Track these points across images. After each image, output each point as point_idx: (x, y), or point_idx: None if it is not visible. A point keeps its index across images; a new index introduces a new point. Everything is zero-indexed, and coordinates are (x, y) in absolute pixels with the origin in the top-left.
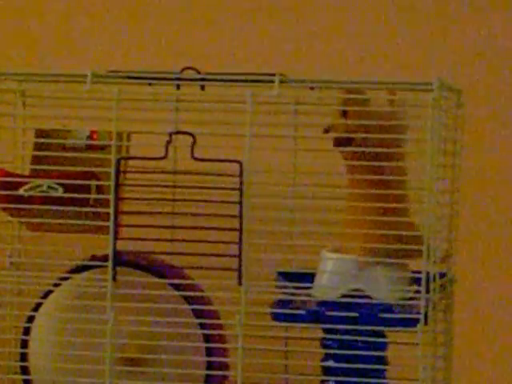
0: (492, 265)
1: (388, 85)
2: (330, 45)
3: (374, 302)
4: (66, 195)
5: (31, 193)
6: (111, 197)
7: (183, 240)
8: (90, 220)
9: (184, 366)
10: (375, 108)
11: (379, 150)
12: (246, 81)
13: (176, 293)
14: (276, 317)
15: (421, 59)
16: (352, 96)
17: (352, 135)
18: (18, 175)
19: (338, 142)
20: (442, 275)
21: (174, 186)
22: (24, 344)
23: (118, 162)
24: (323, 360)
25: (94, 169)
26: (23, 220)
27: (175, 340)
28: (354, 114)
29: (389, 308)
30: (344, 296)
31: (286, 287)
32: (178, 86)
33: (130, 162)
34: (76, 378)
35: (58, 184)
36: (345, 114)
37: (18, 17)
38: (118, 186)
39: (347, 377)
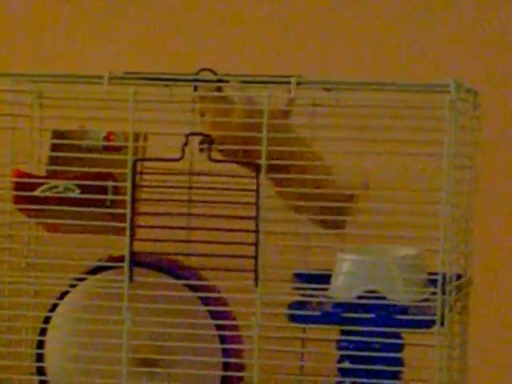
0: (508, 266)
1: (405, 86)
2: (346, 46)
3: (390, 303)
4: (83, 196)
5: (48, 194)
6: (128, 198)
7: (199, 241)
8: (107, 221)
9: (200, 367)
10: (232, 106)
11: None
12: (262, 82)
13: (192, 294)
14: (292, 318)
15: (437, 60)
16: (208, 94)
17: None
18: (34, 176)
19: (201, 141)
20: (458, 277)
21: (190, 187)
22: (40, 345)
23: (135, 163)
24: (339, 361)
25: (110, 170)
26: (40, 221)
27: (191, 341)
28: (210, 113)
29: (405, 309)
30: (360, 297)
31: (302, 288)
32: (195, 88)
33: (147, 164)
34: (92, 379)
35: (74, 185)
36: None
37: (34, 18)
38: (134, 187)
39: (363, 378)
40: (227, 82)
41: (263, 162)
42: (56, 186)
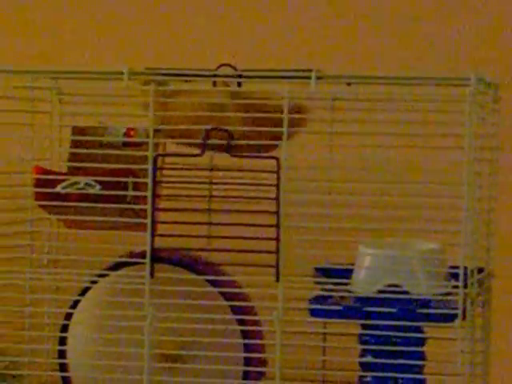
0: None
1: (425, 80)
2: (366, 40)
3: (411, 297)
4: (104, 192)
5: (68, 190)
6: (149, 194)
7: (220, 236)
8: (127, 217)
9: (222, 363)
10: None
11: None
12: (282, 77)
13: (213, 289)
14: (314, 312)
15: (458, 53)
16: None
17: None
18: (55, 173)
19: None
20: (480, 270)
21: (211, 183)
22: (62, 341)
23: (155, 158)
24: (361, 356)
25: (131, 166)
26: (60, 217)
27: (213, 336)
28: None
29: (427, 303)
30: (382, 291)
31: (323, 283)
32: (215, 83)
33: (167, 159)
34: (114, 375)
35: (95, 181)
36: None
37: (52, 15)
38: (155, 182)
39: (385, 372)
40: (247, 77)
41: (283, 155)
42: (77, 183)
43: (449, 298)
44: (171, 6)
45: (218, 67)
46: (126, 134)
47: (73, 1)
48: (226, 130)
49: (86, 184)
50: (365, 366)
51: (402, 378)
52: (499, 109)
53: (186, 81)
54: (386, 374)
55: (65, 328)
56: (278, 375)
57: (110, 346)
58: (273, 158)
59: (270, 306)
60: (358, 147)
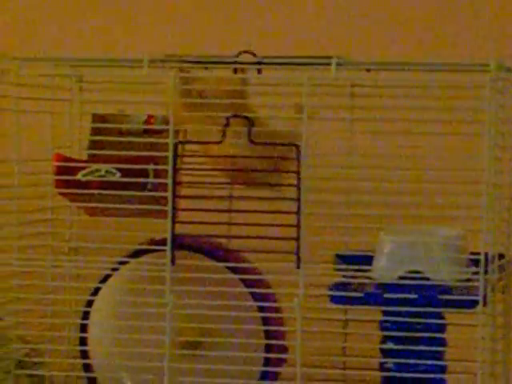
0: None
1: (444, 66)
2: (385, 27)
3: (432, 283)
4: (124, 180)
5: (89, 178)
6: (169, 181)
7: (241, 223)
8: (148, 204)
9: (242, 349)
10: None
11: None
12: (302, 64)
13: (234, 276)
14: (334, 299)
15: (477, 39)
16: None
17: None
18: (75, 160)
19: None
20: (501, 256)
21: (232, 170)
22: (83, 328)
23: (176, 146)
24: (382, 342)
25: (151, 153)
26: (81, 205)
27: (233, 323)
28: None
29: (447, 289)
30: (402, 278)
31: (344, 270)
32: (235, 70)
33: (187, 146)
34: (135, 362)
35: (115, 169)
36: None
37: (72, 3)
38: (175, 170)
39: (406, 359)
40: (267, 63)
41: (303, 143)
42: (97, 170)
43: (469, 284)
44: None
45: (238, 54)
46: (147, 122)
47: None
48: (247, 117)
49: (107, 171)
50: (385, 353)
51: (423, 364)
52: None
53: (206, 68)
54: (406, 361)
55: (86, 315)
56: (299, 362)
57: (130, 332)
58: (293, 145)
59: (290, 292)
60: (378, 134)
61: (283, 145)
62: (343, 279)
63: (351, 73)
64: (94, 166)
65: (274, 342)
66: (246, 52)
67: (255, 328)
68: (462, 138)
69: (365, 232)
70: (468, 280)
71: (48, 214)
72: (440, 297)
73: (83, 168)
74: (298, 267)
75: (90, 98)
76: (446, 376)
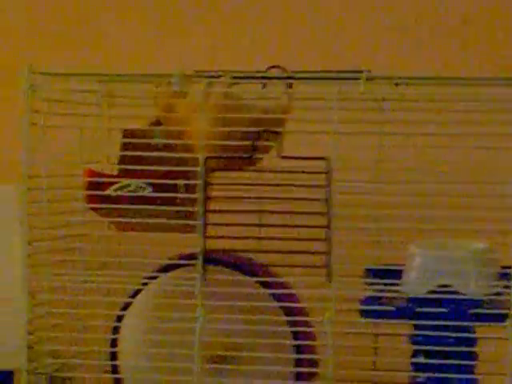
0: None
1: (473, 80)
2: (413, 40)
3: (462, 297)
4: (155, 194)
5: (120, 192)
6: (199, 196)
7: (271, 238)
8: (178, 219)
9: (273, 364)
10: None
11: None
12: (332, 78)
13: (264, 290)
14: (365, 313)
15: (504, 53)
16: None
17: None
18: (106, 175)
19: None
20: None
21: (261, 184)
22: (114, 343)
23: (206, 160)
24: (413, 356)
25: (182, 168)
26: (112, 220)
27: (264, 337)
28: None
29: (478, 303)
30: (433, 292)
31: (374, 284)
32: (265, 85)
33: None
34: (165, 376)
35: (146, 183)
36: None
37: (101, 17)
38: (206, 184)
39: (437, 373)
40: (297, 78)
41: (333, 155)
42: (128, 185)
43: (500, 297)
44: (219, 8)
45: (268, 69)
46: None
47: (124, 3)
48: (277, 132)
49: (138, 186)
50: (417, 367)
51: (454, 378)
52: None
53: (235, 83)
54: (437, 375)
55: (116, 330)
56: (331, 376)
57: (160, 347)
58: (323, 158)
59: (321, 306)
60: (407, 147)
61: (312, 158)
62: (373, 293)
63: (380, 87)
64: (125, 181)
65: (304, 356)
66: (275, 67)
67: (286, 343)
68: (490, 151)
69: (394, 246)
70: (498, 294)
71: (78, 229)
72: (470, 311)
73: (114, 183)
74: (329, 281)
75: (119, 113)
76: None
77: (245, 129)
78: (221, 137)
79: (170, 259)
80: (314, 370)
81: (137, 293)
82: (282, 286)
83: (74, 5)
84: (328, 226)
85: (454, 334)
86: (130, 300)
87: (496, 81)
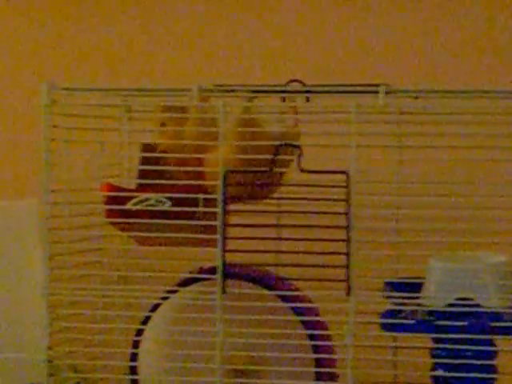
0: None
1: (492, 93)
2: (430, 54)
3: (482, 310)
4: (174, 209)
5: (139, 207)
6: (219, 210)
7: (290, 251)
8: (197, 233)
9: (293, 377)
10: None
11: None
12: (351, 92)
13: (284, 304)
14: (385, 327)
15: None
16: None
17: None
18: (125, 189)
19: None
20: None
21: (280, 198)
22: (134, 357)
23: (225, 174)
24: (433, 369)
25: (201, 182)
26: (131, 234)
27: (284, 351)
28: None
29: (498, 316)
30: (453, 305)
31: (394, 297)
32: (284, 99)
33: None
34: None
35: (165, 198)
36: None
37: (122, 33)
38: (225, 198)
39: None
40: (316, 92)
41: (352, 169)
42: (147, 199)
43: None
44: (238, 23)
45: (288, 83)
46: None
47: (144, 19)
48: (297, 146)
49: (157, 201)
50: (437, 380)
51: None
52: None
53: (254, 97)
54: None
55: (136, 344)
56: None
57: (181, 361)
58: (342, 172)
59: (341, 320)
60: (426, 161)
61: (332, 172)
62: (393, 307)
63: (399, 100)
64: (144, 196)
65: (324, 369)
66: (294, 81)
67: (306, 356)
68: (510, 164)
69: (414, 259)
70: None
71: (98, 243)
72: (490, 324)
73: (133, 197)
74: (349, 295)
75: (139, 128)
76: None
77: (264, 143)
78: (240, 152)
79: (189, 273)
80: (333, 383)
81: (156, 307)
82: (302, 299)
83: (93, 20)
84: (348, 240)
85: (473, 347)
86: (149, 314)
87: None
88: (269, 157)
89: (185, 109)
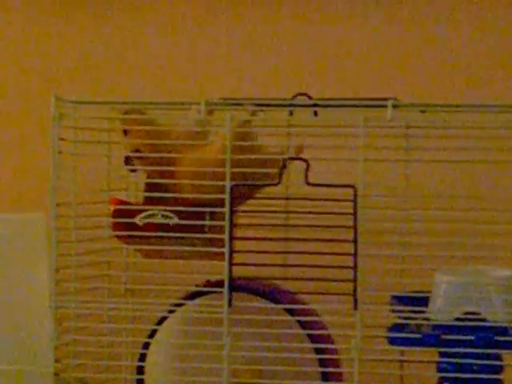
0: None
1: (499, 107)
2: (438, 68)
3: (489, 324)
4: (182, 222)
5: (146, 221)
6: (226, 223)
7: (297, 265)
8: (204, 246)
9: None
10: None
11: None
12: (358, 106)
13: (291, 318)
14: (392, 341)
15: None
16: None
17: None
18: (132, 204)
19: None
20: None
21: (288, 212)
22: (140, 370)
23: (232, 188)
24: (439, 383)
25: (207, 196)
26: (138, 247)
27: (291, 365)
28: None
29: (505, 331)
30: (459, 319)
31: (400, 311)
32: (291, 112)
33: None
34: None
35: (172, 211)
36: (125, 132)
37: (131, 46)
38: (232, 212)
39: None
40: (323, 106)
41: (359, 182)
42: (155, 214)
43: None
44: (245, 36)
45: (295, 96)
46: None
47: (150, 32)
48: (304, 159)
49: (164, 216)
50: None
51: None
52: None
53: (262, 110)
54: None
55: (143, 357)
56: None
57: (187, 375)
58: (349, 186)
59: (347, 334)
60: (433, 174)
61: (339, 186)
62: (400, 320)
63: (406, 114)
64: (151, 210)
65: (331, 383)
66: (301, 94)
67: (312, 370)
68: None
69: (421, 273)
70: None
71: (104, 256)
72: (497, 338)
73: (140, 211)
74: (355, 309)
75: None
76: None
77: (271, 156)
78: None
79: (196, 286)
80: None
81: (163, 320)
82: (309, 313)
83: (99, 33)
84: (355, 254)
85: (480, 362)
86: (156, 327)
87: None
88: (262, 170)
89: (142, 111)
